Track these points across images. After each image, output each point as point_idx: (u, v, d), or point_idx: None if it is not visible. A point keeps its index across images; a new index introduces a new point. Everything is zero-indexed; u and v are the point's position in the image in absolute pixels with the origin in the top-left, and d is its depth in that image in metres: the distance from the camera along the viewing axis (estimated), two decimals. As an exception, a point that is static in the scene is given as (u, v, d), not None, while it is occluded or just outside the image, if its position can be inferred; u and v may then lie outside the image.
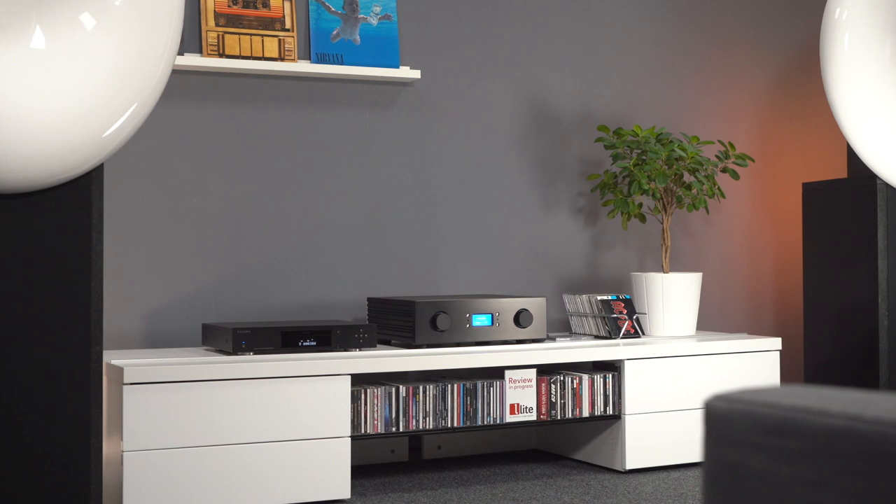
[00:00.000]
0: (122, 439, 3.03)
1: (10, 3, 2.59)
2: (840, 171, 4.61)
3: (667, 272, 4.04)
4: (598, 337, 3.94)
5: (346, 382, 3.29)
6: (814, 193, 4.26)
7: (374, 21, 4.00)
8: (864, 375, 4.01)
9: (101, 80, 2.65)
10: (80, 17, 2.65)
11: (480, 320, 3.65)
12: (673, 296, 3.98)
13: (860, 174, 4.07)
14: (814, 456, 0.86)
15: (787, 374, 4.53)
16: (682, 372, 3.77)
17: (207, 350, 3.48)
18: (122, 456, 3.03)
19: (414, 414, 3.42)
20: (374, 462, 3.85)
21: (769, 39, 4.72)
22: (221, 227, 3.80)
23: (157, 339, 3.70)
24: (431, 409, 3.43)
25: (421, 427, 3.43)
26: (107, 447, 3.15)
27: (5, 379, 2.65)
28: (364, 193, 4.01)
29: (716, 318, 4.55)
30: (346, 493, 3.29)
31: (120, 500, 3.04)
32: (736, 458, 0.93)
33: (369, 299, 3.81)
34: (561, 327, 4.24)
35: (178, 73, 3.72)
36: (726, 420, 0.94)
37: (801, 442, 0.87)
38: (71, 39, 2.62)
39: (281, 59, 3.84)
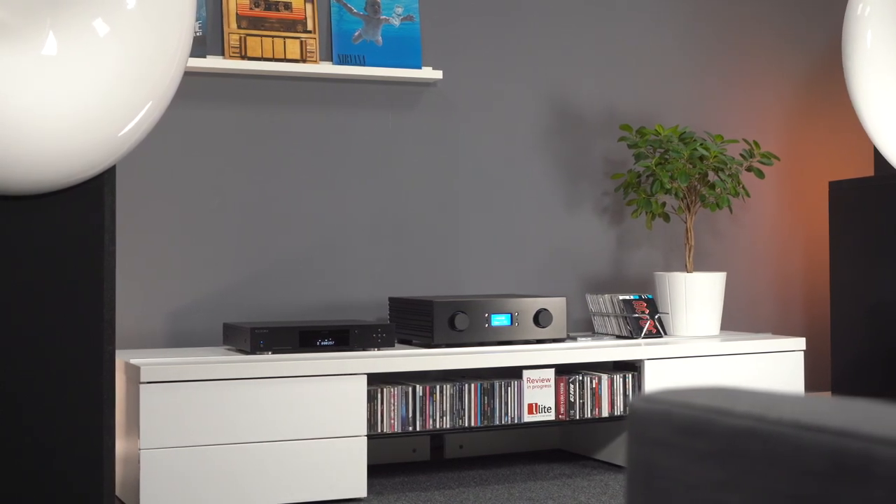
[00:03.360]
0: (139, 438, 3.07)
1: (26, 9, 2.64)
2: (867, 170, 4.56)
3: (690, 272, 4.02)
4: (619, 337, 3.93)
5: (363, 382, 3.31)
6: (840, 192, 4.22)
7: (396, 22, 4.02)
8: (892, 375, 3.96)
9: (114, 82, 2.69)
10: (93, 22, 2.69)
11: (499, 320, 3.66)
12: (696, 295, 3.96)
13: (887, 172, 4.02)
14: (721, 456, 0.86)
15: (815, 375, 4.49)
16: (703, 372, 3.74)
17: (228, 349, 3.52)
18: (139, 454, 3.07)
19: (431, 413, 3.43)
20: (395, 461, 3.87)
21: (795, 37, 4.68)
22: (244, 227, 3.84)
23: (180, 338, 3.74)
24: (448, 408, 3.44)
25: (438, 426, 3.44)
26: (125, 445, 3.20)
27: (19, 378, 2.70)
28: (387, 194, 4.03)
29: (744, 317, 4.52)
30: (362, 492, 3.31)
31: (137, 497, 3.08)
32: (653, 458, 0.93)
33: (390, 299, 3.83)
34: (585, 327, 4.23)
35: (200, 76, 3.76)
36: (646, 420, 0.94)
37: (709, 442, 0.87)
38: (84, 43, 2.66)
39: (303, 60, 3.87)
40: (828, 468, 0.77)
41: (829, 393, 4.46)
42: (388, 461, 3.86)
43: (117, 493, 3.31)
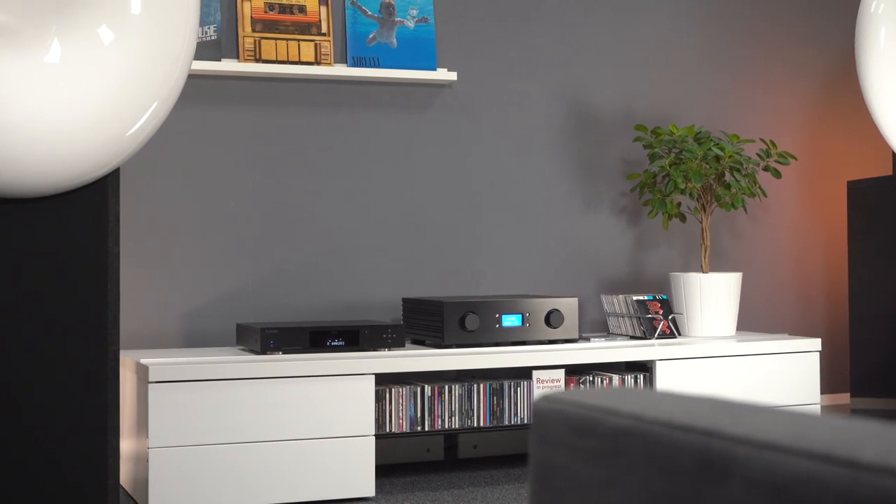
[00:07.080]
0: (148, 437, 3.12)
1: (33, 16, 2.68)
2: (886, 169, 4.51)
3: (706, 272, 4.00)
4: (633, 337, 3.92)
5: (371, 382, 3.33)
6: (859, 191, 4.18)
7: (410, 24, 4.04)
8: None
9: (119, 85, 2.73)
10: (98, 29, 2.73)
11: (511, 320, 3.67)
12: (711, 296, 3.94)
13: (905, 171, 3.98)
14: (605, 455, 0.87)
15: (834, 377, 4.45)
16: (715, 373, 3.73)
17: (241, 350, 3.56)
18: (147, 453, 3.11)
19: (440, 413, 3.44)
20: (409, 461, 3.89)
21: (811, 35, 4.64)
22: (259, 228, 3.88)
23: (195, 339, 3.78)
24: (457, 408, 3.46)
25: (447, 426, 3.45)
26: (135, 444, 3.25)
27: (24, 379, 2.75)
28: (402, 195, 4.05)
29: (763, 318, 4.49)
30: (370, 492, 3.33)
31: (146, 495, 3.12)
32: (551, 457, 0.94)
33: (404, 299, 3.85)
34: (602, 328, 4.23)
35: (216, 79, 3.80)
36: (546, 420, 0.96)
37: (596, 441, 0.88)
38: (89, 47, 2.70)
39: (317, 63, 3.90)
40: (695, 467, 0.78)
41: (848, 395, 4.42)
42: (402, 461, 3.88)
43: (128, 490, 3.36)
